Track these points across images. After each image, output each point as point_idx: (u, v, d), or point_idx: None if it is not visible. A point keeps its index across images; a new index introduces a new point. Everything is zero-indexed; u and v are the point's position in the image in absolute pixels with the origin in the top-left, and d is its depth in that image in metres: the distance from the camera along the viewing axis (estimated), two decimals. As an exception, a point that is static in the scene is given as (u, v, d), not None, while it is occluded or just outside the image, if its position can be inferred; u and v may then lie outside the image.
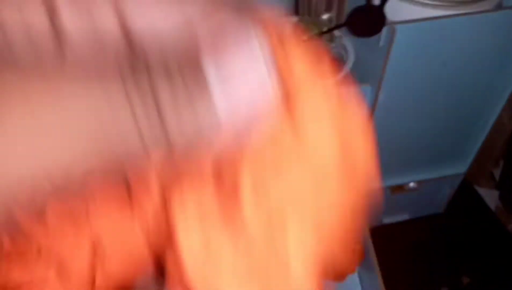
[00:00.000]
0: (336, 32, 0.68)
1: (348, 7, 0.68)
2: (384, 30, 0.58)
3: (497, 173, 1.14)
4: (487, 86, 0.73)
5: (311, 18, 0.71)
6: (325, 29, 0.66)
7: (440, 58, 0.64)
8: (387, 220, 0.99)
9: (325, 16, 0.70)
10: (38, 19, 0.17)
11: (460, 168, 0.91)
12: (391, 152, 0.80)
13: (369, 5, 0.58)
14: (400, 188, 0.90)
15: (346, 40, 0.68)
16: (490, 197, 1.11)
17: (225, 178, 0.23)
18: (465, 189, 1.12)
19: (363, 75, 0.68)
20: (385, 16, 0.57)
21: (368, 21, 0.58)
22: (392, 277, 0.96)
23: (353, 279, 0.77)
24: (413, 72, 0.64)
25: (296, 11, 0.78)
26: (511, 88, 0.74)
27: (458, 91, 0.71)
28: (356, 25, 0.59)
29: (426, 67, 0.64)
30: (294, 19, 0.72)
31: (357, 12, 0.59)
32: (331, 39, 0.66)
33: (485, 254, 1.00)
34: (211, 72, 0.20)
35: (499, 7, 0.63)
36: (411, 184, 0.90)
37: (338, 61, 0.66)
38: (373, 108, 0.67)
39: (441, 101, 0.72)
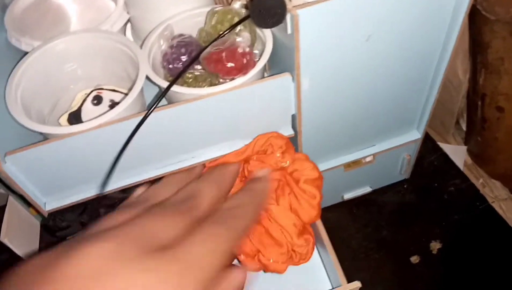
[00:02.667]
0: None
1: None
2: (288, 17, 0.53)
3: (464, 126, 1.11)
4: (424, 51, 0.68)
5: (223, 7, 0.66)
6: (235, 20, 0.61)
7: (359, 34, 0.59)
8: (347, 195, 0.97)
9: (237, 4, 0.64)
10: None
11: (415, 133, 0.88)
12: (333, 133, 0.77)
13: (267, -8, 0.53)
14: (354, 163, 0.87)
15: (262, 29, 0.63)
16: (457, 154, 1.09)
17: None
18: (431, 149, 1.09)
19: (284, 64, 0.63)
20: (285, 3, 0.52)
21: (270, 10, 0.53)
22: (360, 251, 0.96)
23: (316, 260, 0.76)
24: (331, 54, 0.60)
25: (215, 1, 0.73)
26: (451, 47, 0.69)
27: (392, 62, 0.67)
28: (259, 16, 0.54)
29: (346, 46, 0.60)
30: (205, 10, 0.67)
31: (257, 2, 0.53)
32: (243, 30, 0.61)
33: (453, 215, 0.98)
34: None
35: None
36: (367, 158, 0.87)
37: (253, 53, 0.61)
38: (297, 97, 0.63)
39: (375, 75, 0.68)
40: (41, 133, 0.60)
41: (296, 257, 0.66)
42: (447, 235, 0.95)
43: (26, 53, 0.66)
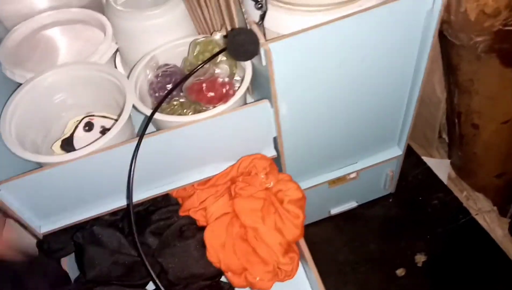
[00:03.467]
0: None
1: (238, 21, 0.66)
2: (262, 51, 0.57)
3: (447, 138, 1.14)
4: (398, 72, 0.72)
5: (205, 38, 0.70)
6: (214, 51, 0.65)
7: (332, 61, 0.63)
8: (334, 211, 1.00)
9: (218, 35, 0.68)
10: None
11: (397, 150, 0.91)
12: (315, 153, 0.80)
13: (242, 29, 0.57)
14: (339, 180, 0.90)
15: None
16: (441, 167, 1.12)
17: None
18: (415, 164, 1.12)
19: (263, 91, 0.67)
20: (258, 38, 0.56)
21: (245, 44, 0.57)
22: (347, 265, 0.98)
23: (301, 276, 0.79)
24: (307, 80, 0.63)
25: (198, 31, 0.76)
26: (423, 67, 0.72)
27: (366, 84, 0.70)
28: (235, 50, 0.58)
29: (320, 72, 0.63)
30: (187, 41, 0.71)
31: (233, 37, 0.57)
32: (223, 61, 0.65)
33: (438, 228, 1.01)
34: None
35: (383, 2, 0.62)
36: (351, 175, 0.91)
37: (232, 83, 0.65)
38: (276, 120, 0.67)
39: (351, 99, 0.71)
40: (36, 162, 0.64)
41: (281, 274, 0.69)
42: (431, 248, 0.98)
43: (20, 84, 0.70)
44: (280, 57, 0.57)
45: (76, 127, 0.74)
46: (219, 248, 0.65)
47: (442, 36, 0.80)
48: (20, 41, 0.75)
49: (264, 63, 0.58)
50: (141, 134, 0.57)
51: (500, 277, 0.93)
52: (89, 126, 0.74)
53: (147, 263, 0.56)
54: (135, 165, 0.59)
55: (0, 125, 0.64)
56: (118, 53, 0.80)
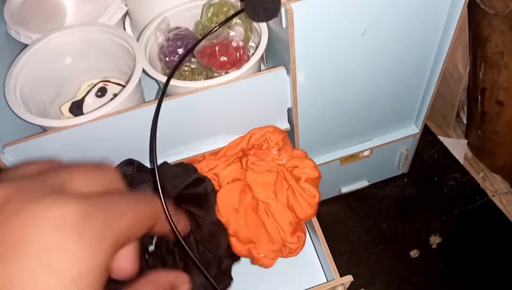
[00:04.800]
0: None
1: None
2: (283, 11, 0.53)
3: (465, 119, 1.10)
4: (422, 44, 0.68)
5: (221, 0, 0.66)
6: (230, 13, 0.61)
7: (355, 28, 0.59)
8: (345, 189, 0.97)
9: (233, -4, 0.64)
10: None
11: (414, 127, 0.87)
12: (330, 127, 0.77)
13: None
14: (352, 157, 0.87)
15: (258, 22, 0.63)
16: (457, 147, 1.08)
17: None
18: (431, 143, 1.09)
19: (280, 57, 0.63)
20: (279, -3, 0.52)
21: (264, 3, 0.53)
22: (359, 245, 0.96)
23: (312, 254, 0.77)
24: (328, 47, 0.60)
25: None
26: (449, 41, 0.68)
27: (389, 56, 0.66)
28: (253, 9, 0.54)
29: (342, 39, 0.59)
30: (201, 3, 0.67)
31: (251, -5, 0.53)
32: (237, 24, 0.61)
33: (453, 209, 0.98)
34: None
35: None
36: (365, 152, 0.87)
37: (246, 47, 0.61)
38: (293, 90, 0.63)
39: (372, 70, 0.68)
40: (39, 125, 0.61)
41: (285, 251, 0.66)
42: (446, 229, 0.95)
43: (25, 45, 0.66)
44: (302, 19, 0.53)
45: (89, 91, 0.71)
46: (231, 211, 0.62)
47: (471, 6, 0.75)
48: (26, 0, 0.71)
49: (284, 25, 0.54)
50: (160, 99, 0.53)
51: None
52: (102, 92, 0.71)
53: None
54: (156, 128, 0.56)
55: (5, 86, 0.61)
56: (127, 15, 0.76)
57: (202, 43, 0.59)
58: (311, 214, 0.65)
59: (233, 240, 0.64)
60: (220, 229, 0.63)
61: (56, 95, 0.71)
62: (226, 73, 0.60)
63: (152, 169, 0.64)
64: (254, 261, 0.65)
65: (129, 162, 0.62)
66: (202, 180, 0.62)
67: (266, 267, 0.64)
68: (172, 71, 0.55)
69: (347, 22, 0.57)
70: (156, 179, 0.51)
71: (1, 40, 0.70)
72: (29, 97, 0.64)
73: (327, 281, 0.70)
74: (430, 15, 0.62)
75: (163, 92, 0.55)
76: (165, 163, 0.67)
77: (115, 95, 0.70)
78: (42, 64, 0.66)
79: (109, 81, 0.73)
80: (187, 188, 0.61)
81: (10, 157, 0.59)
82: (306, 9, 0.52)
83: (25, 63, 0.64)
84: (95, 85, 0.72)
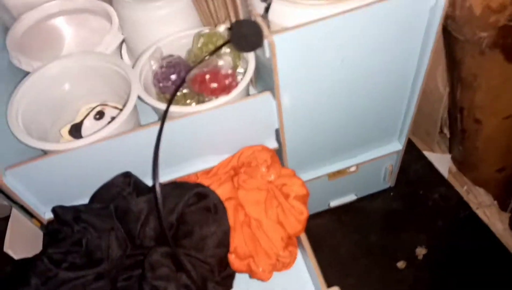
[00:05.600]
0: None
1: (243, 14, 0.67)
2: (266, 43, 0.57)
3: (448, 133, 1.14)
4: (400, 68, 0.72)
5: (210, 30, 0.70)
6: (218, 43, 0.66)
7: (335, 55, 0.63)
8: (334, 203, 1.01)
9: (222, 27, 0.69)
10: None
11: (397, 144, 0.91)
12: (316, 146, 0.81)
13: (246, 20, 0.57)
14: (339, 173, 0.91)
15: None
16: (441, 162, 1.12)
17: None
18: (416, 158, 1.13)
19: (266, 82, 0.68)
20: (262, 30, 0.56)
21: (249, 36, 0.57)
22: (348, 257, 0.99)
23: (302, 267, 0.80)
24: (309, 73, 0.64)
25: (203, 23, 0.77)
26: (426, 61, 0.72)
27: (368, 80, 0.71)
28: (239, 41, 0.59)
29: (322, 66, 0.64)
30: (192, 32, 0.72)
31: (237, 28, 0.58)
32: (226, 53, 0.66)
33: (438, 221, 1.02)
34: None
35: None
36: (351, 169, 0.91)
37: (234, 74, 0.66)
38: (279, 112, 0.67)
39: (353, 93, 0.72)
40: (40, 149, 0.65)
41: (279, 265, 0.70)
42: (432, 241, 0.98)
43: (27, 72, 0.71)
44: (284, 50, 0.57)
45: (88, 114, 0.75)
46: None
47: (445, 31, 0.80)
48: (26, 30, 0.76)
49: (267, 55, 0.58)
50: (161, 125, 0.57)
51: (500, 271, 0.93)
52: (100, 115, 0.75)
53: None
54: (159, 147, 0.60)
55: (8, 111, 0.65)
56: (124, 43, 0.80)
57: (194, 71, 0.63)
58: (299, 229, 0.68)
59: (231, 258, 0.68)
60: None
61: (56, 119, 0.75)
62: (217, 98, 0.65)
63: (153, 186, 0.68)
64: (253, 275, 0.68)
65: (127, 175, 0.66)
66: (205, 195, 0.66)
67: (264, 280, 0.68)
68: (170, 100, 0.59)
69: (325, 51, 0.62)
70: (158, 198, 0.55)
71: (4, 67, 0.74)
72: (30, 122, 0.68)
73: (314, 293, 0.73)
74: (407, 40, 0.67)
75: (163, 119, 0.59)
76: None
77: (113, 118, 0.74)
78: (42, 91, 0.71)
79: (107, 105, 0.77)
80: (189, 205, 0.64)
81: (11, 179, 0.62)
82: (286, 41, 0.57)
83: (26, 90, 0.68)
84: (93, 108, 0.76)
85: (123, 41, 0.78)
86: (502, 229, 1.01)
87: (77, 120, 0.75)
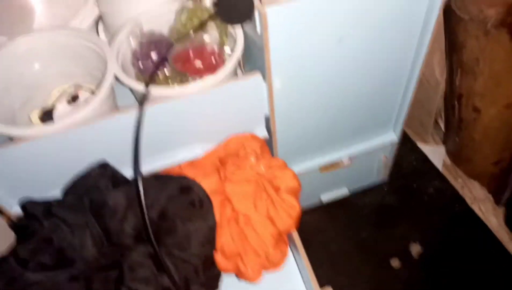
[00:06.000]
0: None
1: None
2: (256, 15, 0.52)
3: (442, 124, 1.11)
4: (398, 52, 0.68)
5: (194, 4, 0.64)
6: (204, 18, 0.60)
7: (331, 34, 0.58)
8: (325, 197, 0.96)
9: (206, 1, 0.63)
10: None
11: (392, 134, 0.87)
12: (308, 135, 0.76)
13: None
14: (331, 166, 0.86)
15: (235, 27, 0.62)
16: (436, 154, 1.08)
17: None
18: (410, 150, 1.09)
19: (256, 62, 0.62)
20: (253, 0, 0.51)
21: (238, 6, 0.52)
22: (339, 254, 0.95)
23: (292, 265, 0.75)
24: (303, 53, 0.59)
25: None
26: (425, 48, 0.68)
27: (365, 63, 0.66)
28: (226, 12, 0.53)
29: (317, 45, 0.59)
30: (176, 7, 0.65)
31: (225, -1, 0.52)
32: (213, 28, 0.60)
33: (433, 216, 0.98)
34: None
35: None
36: (344, 161, 0.86)
37: (222, 52, 0.60)
38: (270, 97, 0.62)
39: (349, 77, 0.67)
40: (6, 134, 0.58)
41: (268, 265, 0.65)
42: (427, 237, 0.95)
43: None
44: (277, 25, 0.52)
45: (60, 97, 0.69)
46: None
47: (447, 12, 0.75)
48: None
49: (258, 30, 0.53)
50: (140, 108, 0.51)
51: (495, 266, 0.90)
52: (73, 99, 0.69)
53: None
54: (138, 137, 0.53)
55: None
56: (100, 19, 0.74)
57: (176, 48, 0.57)
58: (290, 225, 0.63)
59: (217, 257, 0.62)
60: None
61: (25, 102, 0.68)
62: (201, 78, 0.59)
63: (135, 180, 0.62)
64: (240, 276, 0.63)
65: (103, 165, 0.60)
66: (189, 188, 0.60)
67: (252, 281, 0.62)
68: (149, 78, 0.53)
69: (323, 29, 0.56)
70: (139, 190, 0.49)
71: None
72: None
73: (306, 292, 0.68)
74: (406, 22, 0.62)
75: (143, 101, 0.53)
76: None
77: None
78: (9, 69, 0.64)
79: (81, 87, 0.70)
80: (172, 199, 0.59)
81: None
82: (280, 14, 0.51)
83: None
84: (66, 91, 0.69)
85: (100, 18, 0.72)
86: (497, 224, 0.98)
87: (49, 104, 0.69)
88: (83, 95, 0.69)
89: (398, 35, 0.63)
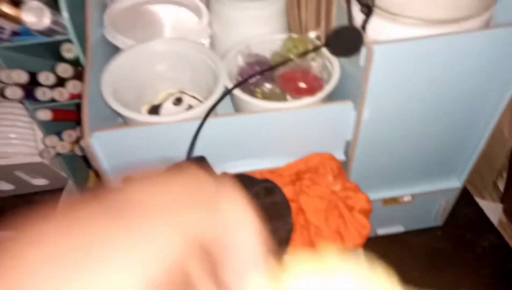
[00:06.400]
0: (323, 50, 0.70)
1: (335, 25, 0.69)
2: (363, 51, 0.59)
3: (501, 185, 1.12)
4: (479, 103, 0.72)
5: (299, 35, 0.72)
6: (310, 47, 0.68)
7: (425, 77, 0.64)
8: (381, 231, 0.99)
9: (312, 34, 0.71)
10: None
11: (456, 182, 0.90)
12: (381, 166, 0.81)
13: (348, 26, 0.59)
14: (393, 200, 0.90)
15: (332, 58, 0.70)
16: (492, 210, 1.10)
17: None
18: (467, 202, 1.11)
19: (347, 93, 0.69)
20: (363, 37, 0.58)
21: (347, 42, 0.59)
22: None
23: None
24: (396, 90, 0.65)
25: (289, 29, 0.80)
26: (504, 104, 0.73)
27: (448, 108, 0.71)
28: (336, 45, 0.60)
29: (410, 85, 0.65)
30: (283, 36, 0.74)
31: (336, 33, 0.60)
32: (316, 57, 0.67)
33: (485, 269, 0.99)
34: None
35: (485, 26, 0.63)
36: (405, 198, 0.90)
37: (322, 79, 0.67)
38: (356, 126, 0.68)
39: (431, 118, 0.72)
40: (122, 118, 0.68)
41: None
42: (476, 287, 0.95)
43: (118, 48, 0.74)
44: (380, 61, 0.59)
45: (167, 98, 0.78)
46: None
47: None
48: (125, 9, 0.80)
49: (362, 63, 0.60)
50: (215, 104, 0.59)
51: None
52: (178, 101, 0.78)
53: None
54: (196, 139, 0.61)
55: (102, 81, 0.68)
56: (207, 40, 0.84)
57: (283, 68, 0.65)
58: (359, 243, 0.68)
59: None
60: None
61: (138, 97, 0.78)
62: (299, 98, 0.66)
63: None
64: None
65: (201, 158, 0.67)
66: (273, 190, 0.66)
67: None
68: (241, 81, 0.61)
69: (417, 70, 0.63)
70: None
71: (99, 41, 0.78)
72: (118, 94, 0.71)
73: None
74: (495, 74, 0.67)
75: (222, 97, 0.61)
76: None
77: (190, 106, 0.77)
78: (136, 66, 0.74)
79: (185, 93, 0.79)
80: (257, 198, 0.65)
81: (95, 142, 0.65)
82: (386, 52, 0.58)
83: (122, 62, 0.72)
84: (173, 94, 0.79)
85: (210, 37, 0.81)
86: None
87: (156, 102, 0.78)
88: (186, 99, 0.78)
89: (483, 85, 0.68)
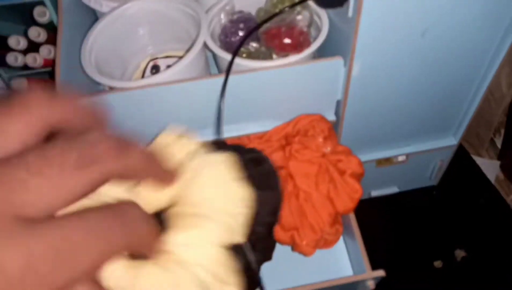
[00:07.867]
0: (310, 3, 0.65)
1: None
2: (352, 0, 0.55)
3: (498, 142, 1.10)
4: (475, 56, 0.69)
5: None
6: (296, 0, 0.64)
7: (417, 28, 0.60)
8: (375, 193, 0.98)
9: (298, -14, 0.67)
10: None
11: (452, 139, 0.88)
12: (373, 126, 0.78)
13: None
14: (387, 161, 0.88)
15: (320, 11, 0.66)
16: (489, 167, 1.08)
17: None
18: (463, 159, 1.09)
19: (336, 49, 0.65)
20: (350, -14, 0.54)
21: (334, -9, 0.55)
22: (382, 250, 0.96)
23: (340, 247, 0.78)
24: (387, 43, 0.61)
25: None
26: (501, 57, 0.70)
27: (442, 61, 0.68)
28: (323, -4, 0.56)
29: (402, 37, 0.61)
30: (267, -10, 0.70)
31: (322, -18, 0.56)
32: (303, 10, 0.63)
33: (482, 227, 0.98)
34: None
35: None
36: (400, 157, 0.88)
37: (309, 34, 0.64)
38: (346, 83, 0.65)
39: (424, 73, 0.69)
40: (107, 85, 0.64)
41: (321, 242, 0.68)
42: (473, 245, 0.95)
43: (95, 11, 0.70)
44: (369, 10, 0.55)
45: (144, 71, 0.75)
46: None
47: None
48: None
49: (351, 14, 0.56)
50: (226, 73, 0.56)
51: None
52: (156, 69, 0.74)
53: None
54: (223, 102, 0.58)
55: (81, 54, 0.64)
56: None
57: (267, 24, 0.61)
58: (350, 207, 0.66)
59: (276, 228, 0.65)
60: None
61: (122, 74, 0.74)
62: (286, 56, 0.63)
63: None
64: (295, 247, 0.66)
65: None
66: (261, 160, 0.64)
67: (306, 254, 0.65)
68: (238, 47, 0.58)
69: (410, 20, 0.59)
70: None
71: (72, 4, 0.73)
72: (101, 69, 0.68)
73: (355, 275, 0.71)
74: (490, 23, 0.63)
75: (229, 68, 0.57)
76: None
77: (169, 66, 0.73)
78: (115, 39, 0.70)
79: (156, 58, 0.76)
80: (246, 168, 0.62)
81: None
82: (375, 1, 0.54)
83: (101, 31, 0.67)
84: (146, 65, 0.75)
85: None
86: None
87: (138, 78, 0.75)
88: (162, 63, 0.74)
89: (480, 36, 0.65)
